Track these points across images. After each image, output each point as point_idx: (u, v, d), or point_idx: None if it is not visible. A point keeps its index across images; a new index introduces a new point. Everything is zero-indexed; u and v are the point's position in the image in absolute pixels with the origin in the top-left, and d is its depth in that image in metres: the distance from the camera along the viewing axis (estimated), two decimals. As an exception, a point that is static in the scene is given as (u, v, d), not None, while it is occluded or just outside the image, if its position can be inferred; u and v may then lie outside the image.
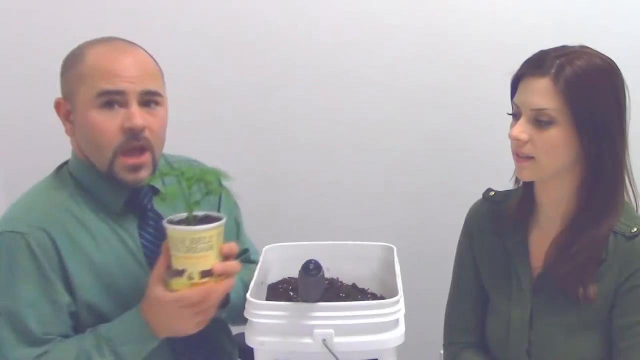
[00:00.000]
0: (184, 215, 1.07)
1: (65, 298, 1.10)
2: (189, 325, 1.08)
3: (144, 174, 1.14)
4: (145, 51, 1.18)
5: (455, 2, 1.80)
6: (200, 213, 1.08)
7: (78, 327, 1.13)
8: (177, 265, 1.04)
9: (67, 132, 1.18)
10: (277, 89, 1.87)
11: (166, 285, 1.06)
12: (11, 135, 1.90)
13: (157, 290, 1.05)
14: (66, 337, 1.10)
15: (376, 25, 1.82)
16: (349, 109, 1.88)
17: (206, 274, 1.04)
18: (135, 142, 1.12)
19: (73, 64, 1.14)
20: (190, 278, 1.04)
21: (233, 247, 1.08)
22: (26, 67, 1.82)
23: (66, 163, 1.23)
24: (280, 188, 1.84)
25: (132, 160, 1.12)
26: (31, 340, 1.07)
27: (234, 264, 1.07)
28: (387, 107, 1.88)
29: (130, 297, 1.14)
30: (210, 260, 1.05)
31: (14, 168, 1.92)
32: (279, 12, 1.82)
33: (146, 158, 1.14)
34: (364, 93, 1.87)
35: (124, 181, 1.14)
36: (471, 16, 1.80)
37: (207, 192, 1.11)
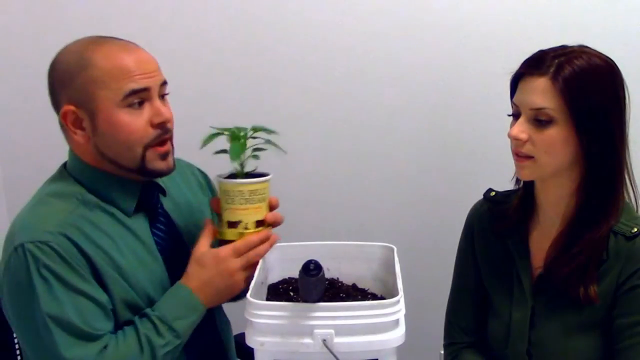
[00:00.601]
0: (227, 173, 1.19)
1: (104, 296, 1.10)
2: (240, 279, 1.15)
3: (171, 161, 1.19)
4: (137, 44, 1.18)
5: (455, 2, 1.80)
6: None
7: (117, 327, 1.13)
8: (232, 217, 1.16)
9: (76, 139, 1.14)
10: (277, 89, 1.87)
11: (220, 235, 1.18)
12: (11, 135, 1.91)
13: (212, 251, 1.15)
14: (113, 334, 1.11)
15: (377, 26, 1.82)
16: (349, 109, 1.88)
17: (259, 223, 1.18)
18: (165, 134, 1.15)
19: (79, 71, 1.10)
20: (246, 228, 1.16)
21: (277, 200, 1.22)
22: (26, 67, 1.83)
23: (64, 166, 1.22)
24: (280, 188, 1.84)
25: (161, 149, 1.15)
26: (84, 336, 1.06)
27: (281, 215, 1.21)
28: (388, 106, 1.88)
29: (151, 292, 1.16)
30: (263, 211, 1.18)
31: (14, 167, 1.93)
32: (279, 12, 1.82)
33: (169, 145, 1.18)
34: (364, 93, 1.87)
35: (157, 171, 1.17)
36: (472, 16, 1.80)
37: (255, 149, 1.18)
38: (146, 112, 1.12)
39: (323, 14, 1.82)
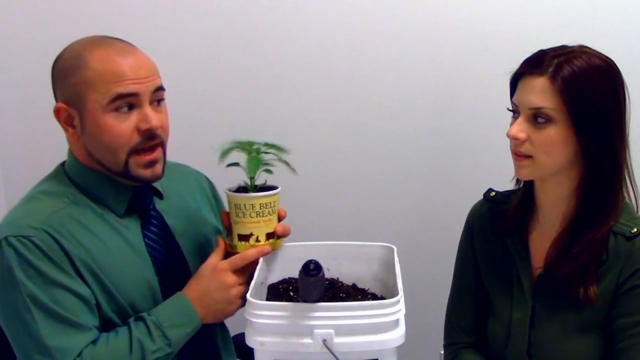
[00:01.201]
0: (235, 186, 1.21)
1: (87, 290, 1.10)
2: (235, 294, 1.16)
3: (159, 168, 1.18)
4: (138, 48, 1.18)
5: (455, 2, 1.80)
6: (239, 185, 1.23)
7: (104, 327, 1.13)
8: (244, 230, 1.18)
9: (69, 136, 1.17)
10: (277, 89, 1.87)
11: (232, 249, 1.19)
12: (11, 135, 1.91)
13: (211, 263, 1.17)
14: (98, 329, 1.11)
15: (377, 26, 1.82)
16: (350, 108, 1.88)
17: (270, 235, 1.19)
18: (151, 141, 1.14)
19: (74, 70, 1.11)
20: (257, 240, 1.18)
21: (285, 211, 1.24)
22: (26, 66, 1.83)
23: (62, 165, 1.22)
24: (281, 188, 1.84)
25: (147, 157, 1.14)
26: (68, 323, 1.06)
27: (289, 226, 1.23)
28: (388, 107, 1.88)
29: (136, 294, 1.16)
30: (273, 223, 1.20)
31: (14, 168, 1.93)
32: (279, 12, 1.82)
33: (158, 153, 1.17)
34: (364, 93, 1.87)
35: (141, 177, 1.15)
36: (472, 16, 1.80)
37: (265, 163, 1.19)
38: (134, 117, 1.12)
39: (323, 15, 1.82)
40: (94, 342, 1.08)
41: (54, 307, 1.06)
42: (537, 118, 1.12)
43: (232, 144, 1.19)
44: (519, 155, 1.16)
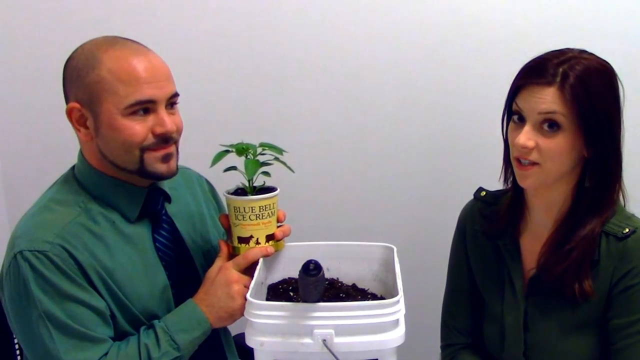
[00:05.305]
0: (233, 189, 1.21)
1: (101, 302, 1.11)
2: (237, 290, 1.14)
3: (173, 164, 1.18)
4: (151, 50, 1.17)
5: (455, 2, 1.80)
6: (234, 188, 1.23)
7: (118, 337, 1.14)
8: (244, 233, 1.18)
9: (81, 137, 1.16)
10: (277, 89, 1.87)
11: (233, 251, 1.20)
12: (12, 136, 1.91)
13: (217, 264, 1.19)
14: (113, 339, 1.12)
15: (375, 26, 1.82)
16: (349, 109, 1.88)
17: (270, 237, 1.20)
18: (164, 144, 1.14)
19: (88, 71, 1.11)
20: (257, 243, 1.18)
21: (284, 213, 1.24)
22: (28, 67, 1.83)
23: (72, 170, 1.22)
24: (280, 188, 1.84)
25: (162, 151, 1.14)
26: (84, 337, 1.07)
27: (289, 227, 1.24)
28: (387, 107, 1.88)
29: (149, 301, 1.17)
30: (273, 225, 1.20)
31: (14, 168, 1.93)
32: (279, 11, 1.82)
33: (172, 148, 1.17)
34: (363, 93, 1.87)
35: (157, 173, 1.15)
36: (471, 17, 1.79)
37: (262, 163, 1.19)
38: (150, 120, 1.12)
39: (323, 14, 1.82)
40: (106, 353, 1.09)
41: (70, 322, 1.06)
42: (546, 125, 1.12)
43: (226, 147, 1.19)
44: (524, 164, 1.15)
